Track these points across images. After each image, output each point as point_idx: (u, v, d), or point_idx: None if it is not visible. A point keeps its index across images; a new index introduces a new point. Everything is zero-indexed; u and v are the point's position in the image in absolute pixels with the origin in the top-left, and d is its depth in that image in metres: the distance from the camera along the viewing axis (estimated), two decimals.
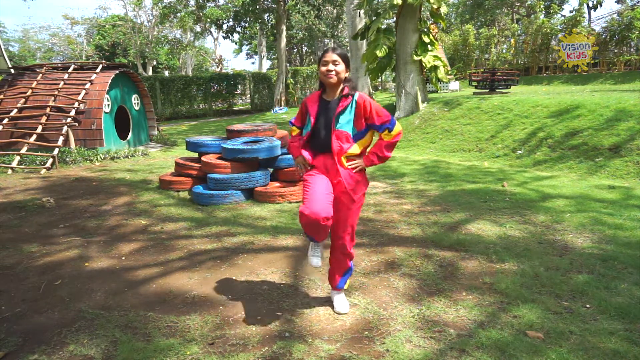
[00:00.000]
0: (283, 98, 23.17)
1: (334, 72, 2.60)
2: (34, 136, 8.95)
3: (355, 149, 2.65)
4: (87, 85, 9.93)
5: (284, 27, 23.02)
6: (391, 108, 13.12)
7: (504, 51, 24.30)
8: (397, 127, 2.71)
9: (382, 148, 2.67)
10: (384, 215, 4.89)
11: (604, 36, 19.85)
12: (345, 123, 2.62)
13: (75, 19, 38.75)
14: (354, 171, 2.66)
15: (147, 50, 32.81)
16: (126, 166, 8.58)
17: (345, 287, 2.94)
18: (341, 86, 2.68)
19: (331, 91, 2.69)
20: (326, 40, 30.62)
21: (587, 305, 2.79)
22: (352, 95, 2.64)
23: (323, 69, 2.62)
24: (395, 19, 12.25)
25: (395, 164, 8.23)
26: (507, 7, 29.94)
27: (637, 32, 18.56)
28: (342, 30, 29.65)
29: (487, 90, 14.72)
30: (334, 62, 2.61)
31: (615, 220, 4.43)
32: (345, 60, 2.65)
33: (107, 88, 9.95)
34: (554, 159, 7.59)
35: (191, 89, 22.62)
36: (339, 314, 2.83)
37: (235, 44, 40.90)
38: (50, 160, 8.35)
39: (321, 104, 2.70)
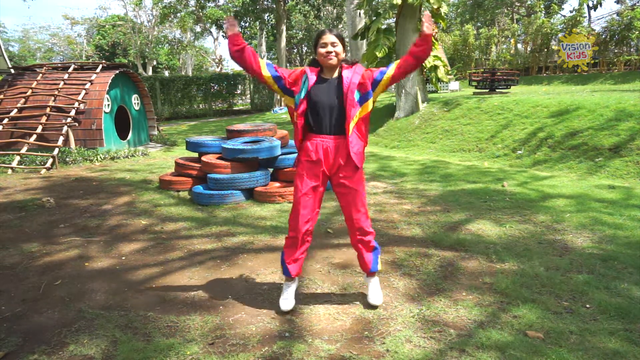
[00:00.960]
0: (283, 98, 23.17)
1: (334, 54, 2.62)
2: (34, 136, 8.95)
3: (361, 111, 2.66)
4: (87, 85, 9.93)
5: (284, 27, 23.03)
6: (391, 108, 13.12)
7: (504, 51, 24.30)
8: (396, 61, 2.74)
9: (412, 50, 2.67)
10: (384, 215, 4.89)
11: (604, 36, 19.85)
12: (356, 92, 2.64)
13: (75, 19, 38.78)
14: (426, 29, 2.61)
15: (147, 50, 32.82)
16: (126, 166, 8.58)
17: (380, 267, 2.95)
18: (338, 67, 2.70)
19: (329, 71, 2.70)
20: None
21: (587, 305, 2.79)
22: (355, 66, 2.68)
23: (322, 50, 2.62)
24: (395, 19, 12.25)
25: (395, 164, 8.23)
26: (507, 7, 29.94)
27: (637, 32, 18.56)
28: (342, 30, 29.66)
29: (487, 90, 14.72)
30: (333, 44, 2.62)
31: (615, 220, 4.43)
32: (343, 41, 2.67)
33: (107, 88, 9.95)
34: (554, 159, 7.59)
35: (191, 89, 22.62)
36: (373, 305, 2.84)
37: None
38: (50, 160, 8.35)
39: (320, 80, 2.69)
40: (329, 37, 2.61)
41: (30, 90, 9.80)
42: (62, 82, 10.05)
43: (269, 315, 2.82)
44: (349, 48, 18.03)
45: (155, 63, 36.93)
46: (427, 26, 2.60)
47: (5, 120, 9.20)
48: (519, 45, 22.94)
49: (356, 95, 2.64)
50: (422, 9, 11.81)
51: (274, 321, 2.74)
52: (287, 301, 2.86)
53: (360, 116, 2.67)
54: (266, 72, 2.69)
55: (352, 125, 2.64)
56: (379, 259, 2.95)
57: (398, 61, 2.70)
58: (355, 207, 2.76)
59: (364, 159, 2.82)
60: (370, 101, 2.70)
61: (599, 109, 8.22)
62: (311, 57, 2.90)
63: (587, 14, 23.01)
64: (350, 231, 2.87)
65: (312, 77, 2.66)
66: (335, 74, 2.70)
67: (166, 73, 38.34)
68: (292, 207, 2.80)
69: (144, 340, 2.56)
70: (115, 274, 3.54)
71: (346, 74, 2.66)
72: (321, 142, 2.69)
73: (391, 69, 2.68)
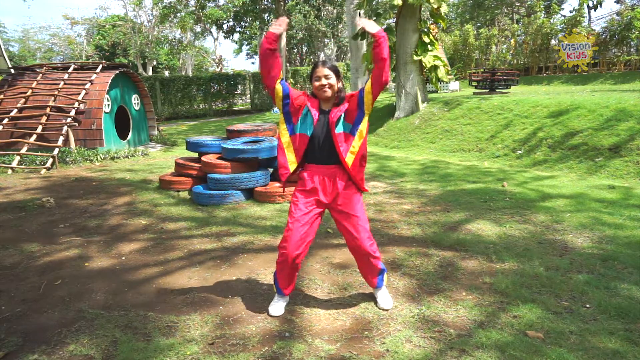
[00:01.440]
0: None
1: (327, 86, 2.65)
2: (34, 136, 8.95)
3: (356, 142, 2.67)
4: (87, 85, 9.93)
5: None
6: (391, 108, 13.12)
7: (504, 51, 24.30)
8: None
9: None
10: (384, 215, 4.89)
11: (603, 36, 19.85)
12: (341, 125, 2.66)
13: (75, 19, 38.74)
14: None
15: (147, 50, 32.81)
16: (126, 166, 8.58)
17: (385, 284, 2.96)
18: (333, 98, 2.72)
19: (326, 103, 2.73)
20: (326, 40, 30.64)
21: (587, 305, 2.79)
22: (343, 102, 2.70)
23: (316, 84, 2.67)
24: (395, 19, 12.24)
25: (395, 164, 8.23)
26: (507, 7, 29.95)
27: (637, 32, 18.56)
28: (342, 30, 29.65)
29: (487, 90, 14.72)
30: (326, 77, 2.65)
31: (615, 220, 4.43)
32: (336, 72, 2.69)
33: (107, 88, 9.95)
34: (554, 159, 7.59)
35: (191, 89, 22.62)
36: (383, 309, 2.84)
37: (236, 43, 40.91)
38: (50, 160, 8.35)
39: (321, 113, 2.72)
40: (322, 70, 2.64)
41: (30, 90, 9.80)
42: (62, 82, 10.05)
43: (269, 315, 2.82)
44: (349, 48, 18.01)
45: (155, 63, 36.92)
46: (367, 25, 2.55)
47: (5, 120, 9.20)
48: (519, 46, 22.92)
49: (344, 129, 2.64)
50: (422, 9, 11.81)
51: (274, 321, 2.74)
52: (277, 306, 2.86)
53: (359, 146, 2.67)
54: (279, 85, 2.71)
55: (349, 159, 2.65)
56: (385, 277, 2.95)
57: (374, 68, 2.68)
58: (357, 233, 2.73)
59: (364, 183, 2.82)
60: (363, 124, 2.68)
61: (599, 109, 8.22)
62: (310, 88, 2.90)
63: (587, 14, 23.02)
64: (356, 257, 2.85)
65: (315, 113, 2.67)
66: (330, 106, 2.72)
67: (166, 73, 38.35)
68: (284, 233, 2.76)
69: (144, 340, 2.56)
70: (115, 273, 3.54)
71: (334, 110, 2.66)
72: (317, 171, 2.72)
73: (368, 81, 2.67)
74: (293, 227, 2.69)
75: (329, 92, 2.66)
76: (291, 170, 2.72)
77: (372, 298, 2.99)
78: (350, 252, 2.87)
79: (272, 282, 3.29)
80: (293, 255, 2.69)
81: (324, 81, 2.64)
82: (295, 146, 2.70)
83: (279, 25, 2.63)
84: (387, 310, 2.85)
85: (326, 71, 2.65)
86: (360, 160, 2.71)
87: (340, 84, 2.71)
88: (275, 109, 22.52)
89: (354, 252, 2.82)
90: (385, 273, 2.94)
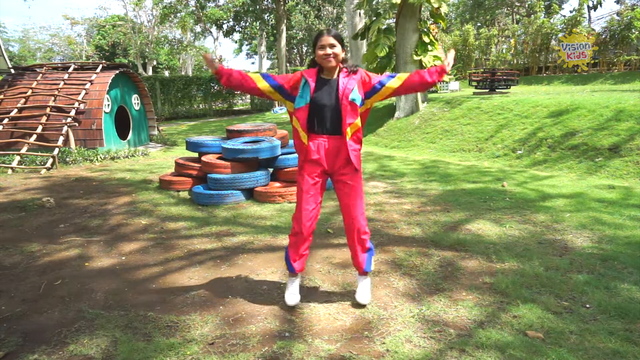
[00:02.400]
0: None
1: (332, 55, 2.64)
2: (34, 136, 8.95)
3: (358, 120, 2.70)
4: (87, 85, 9.93)
5: (284, 27, 23.02)
6: (391, 108, 13.13)
7: (504, 51, 24.29)
8: (404, 73, 2.76)
9: (425, 74, 2.69)
10: (384, 215, 4.89)
11: (603, 36, 19.84)
12: (353, 93, 2.66)
13: (75, 19, 38.78)
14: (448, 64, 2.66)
15: (147, 50, 32.82)
16: (126, 166, 8.58)
17: (373, 268, 2.99)
18: (339, 67, 2.72)
19: (329, 72, 2.72)
20: None
21: (587, 305, 2.79)
22: (357, 71, 2.71)
23: (320, 52, 2.64)
24: (395, 19, 12.25)
25: (395, 164, 8.23)
26: (507, 7, 29.94)
27: (637, 32, 18.56)
28: (342, 30, 29.66)
29: (487, 91, 14.72)
30: (331, 46, 2.63)
31: (615, 220, 4.43)
32: (341, 41, 2.68)
33: (107, 88, 9.95)
34: (554, 158, 7.59)
35: (191, 89, 22.62)
36: (359, 303, 2.86)
37: (237, 43, 40.92)
38: (50, 160, 8.35)
39: (320, 81, 2.71)
40: (327, 39, 2.63)
41: (30, 90, 9.80)
42: (62, 82, 10.05)
43: (269, 315, 2.82)
44: (349, 48, 18.02)
45: (155, 63, 36.93)
46: (449, 63, 2.66)
47: (5, 120, 9.20)
48: (519, 45, 22.92)
49: (356, 98, 2.66)
50: (422, 9, 11.81)
51: (274, 321, 2.74)
52: (293, 296, 2.92)
53: (359, 123, 2.71)
54: (263, 84, 2.72)
55: (349, 129, 2.68)
56: (372, 260, 2.99)
57: (404, 75, 2.72)
58: (354, 205, 2.79)
59: (361, 160, 2.87)
60: (364, 107, 2.73)
61: (599, 109, 8.22)
62: (311, 57, 2.94)
63: (587, 14, 23.01)
64: (347, 230, 2.90)
65: (311, 81, 2.68)
66: (335, 75, 2.73)
67: (166, 73, 38.35)
68: (296, 206, 2.84)
69: (144, 340, 2.56)
70: (115, 273, 3.54)
71: (342, 77, 2.68)
72: (322, 142, 2.73)
73: (396, 80, 2.69)
74: (303, 200, 2.76)
75: (333, 62, 2.65)
76: (306, 143, 2.73)
77: (372, 298, 2.98)
78: (344, 224, 2.90)
79: (273, 282, 3.29)
80: (307, 225, 2.77)
81: (328, 50, 2.62)
82: (301, 119, 2.70)
83: (210, 64, 2.72)
84: (364, 305, 2.87)
85: (331, 40, 2.62)
86: (357, 133, 2.73)
87: (344, 54, 2.71)
88: (275, 108, 22.53)
89: (347, 224, 2.85)
90: (373, 255, 2.97)
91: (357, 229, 2.83)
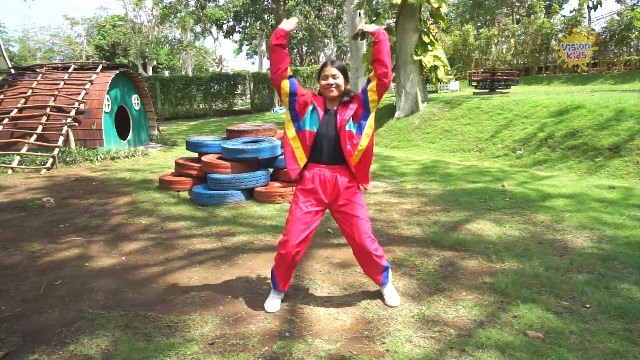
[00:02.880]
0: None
1: (334, 86, 2.68)
2: (34, 136, 8.95)
3: (364, 140, 2.68)
4: (87, 85, 9.93)
5: None
6: (391, 108, 13.12)
7: (504, 51, 24.29)
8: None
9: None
10: (384, 215, 4.89)
11: (603, 36, 19.84)
12: (350, 124, 2.68)
13: (75, 19, 38.78)
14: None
15: (147, 50, 32.82)
16: (126, 166, 8.58)
17: (390, 280, 2.99)
18: (338, 98, 2.74)
19: (331, 102, 2.76)
20: (326, 40, 30.63)
21: (587, 305, 2.79)
22: (353, 99, 2.72)
23: (323, 82, 2.69)
24: (395, 19, 12.24)
25: (395, 164, 8.23)
26: (507, 7, 29.94)
27: (636, 32, 18.55)
28: (342, 30, 29.66)
29: (487, 91, 14.71)
30: (334, 76, 2.67)
31: (615, 220, 4.43)
32: (344, 73, 2.71)
33: (107, 88, 9.95)
34: (554, 158, 7.59)
35: (191, 89, 22.62)
36: (390, 306, 2.86)
37: (236, 43, 40.93)
38: (51, 160, 8.35)
39: (326, 112, 2.74)
40: (330, 69, 2.67)
41: (30, 90, 9.81)
42: (62, 82, 10.05)
43: (269, 315, 2.82)
44: (349, 48, 18.01)
45: (155, 63, 36.93)
46: (368, 27, 2.61)
47: (6, 120, 9.20)
48: (519, 45, 22.92)
49: (352, 127, 2.66)
50: (422, 9, 11.81)
51: (274, 321, 2.74)
52: (273, 303, 2.90)
53: (366, 145, 2.69)
54: (285, 82, 2.68)
55: (355, 157, 2.67)
56: (390, 274, 2.97)
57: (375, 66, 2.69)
58: (358, 233, 2.74)
59: (368, 180, 2.85)
60: (370, 122, 2.70)
61: (599, 109, 8.22)
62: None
63: (587, 14, 23.01)
64: (358, 257, 2.86)
65: (320, 111, 2.70)
66: (336, 106, 2.74)
67: (166, 73, 38.34)
68: (284, 230, 2.79)
69: (144, 340, 2.56)
70: (115, 273, 3.55)
71: (341, 110, 2.69)
72: (319, 171, 2.73)
73: (372, 75, 2.66)
74: (293, 226, 2.72)
75: (335, 92, 2.69)
76: (301, 167, 2.73)
77: (372, 298, 2.99)
78: (352, 252, 2.88)
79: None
80: (292, 253, 2.73)
81: (331, 80, 2.66)
82: (304, 143, 2.71)
83: (289, 23, 2.63)
84: (394, 307, 2.86)
85: (334, 71, 2.67)
86: (366, 157, 2.72)
87: (347, 85, 2.73)
88: (275, 108, 22.52)
89: (356, 252, 2.84)
90: (389, 270, 2.95)
91: (369, 254, 2.78)
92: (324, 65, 2.72)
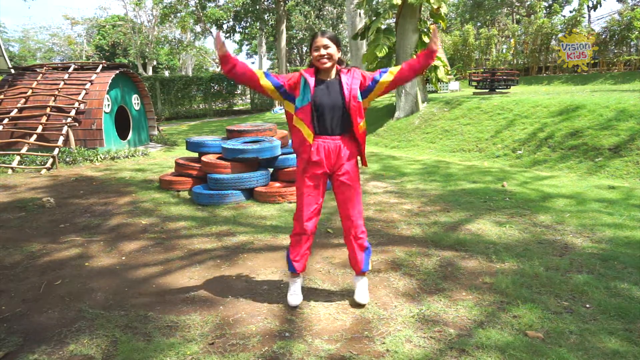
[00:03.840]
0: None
1: (326, 56, 2.64)
2: (34, 136, 8.95)
3: (363, 123, 2.73)
4: (87, 85, 9.93)
5: (284, 28, 23.02)
6: (391, 108, 13.12)
7: (504, 51, 24.29)
8: (396, 67, 2.75)
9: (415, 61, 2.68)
10: (384, 215, 4.89)
11: (603, 36, 19.83)
12: (359, 93, 2.67)
13: (75, 19, 38.76)
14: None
15: (147, 50, 32.82)
16: (126, 166, 8.59)
17: (370, 268, 3.01)
18: (335, 68, 2.73)
19: (325, 73, 2.72)
20: None
21: (587, 305, 2.79)
22: (352, 70, 2.72)
23: (315, 54, 2.65)
24: (395, 19, 12.24)
25: (395, 164, 8.23)
26: (507, 7, 29.94)
27: (637, 32, 18.55)
28: (343, 30, 29.66)
29: (487, 91, 14.71)
30: (325, 46, 2.63)
31: (615, 220, 4.43)
32: (336, 42, 2.68)
33: (107, 88, 9.95)
34: (554, 159, 7.59)
35: (191, 89, 22.62)
36: (359, 304, 2.87)
37: (237, 43, 40.91)
38: (51, 160, 8.35)
39: (319, 81, 2.71)
40: (322, 40, 2.63)
41: (30, 90, 9.81)
42: (62, 82, 10.05)
43: (269, 315, 2.82)
44: (348, 48, 18.01)
45: (155, 63, 36.92)
46: (435, 42, 2.60)
47: (6, 120, 9.20)
48: (519, 45, 22.92)
49: (360, 97, 2.68)
50: (422, 9, 11.80)
51: (274, 321, 2.74)
52: (295, 296, 2.93)
53: (364, 126, 2.74)
54: (265, 82, 2.69)
55: (361, 127, 2.71)
56: (370, 260, 3.00)
57: (396, 68, 2.72)
58: (352, 205, 2.81)
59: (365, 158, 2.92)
60: (365, 102, 2.75)
61: (599, 109, 8.22)
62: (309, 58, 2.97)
63: (587, 14, 23.01)
64: (344, 229, 2.91)
65: (311, 80, 2.67)
66: (333, 76, 2.73)
67: (166, 73, 38.35)
68: (296, 206, 2.85)
69: (144, 340, 2.56)
70: (115, 273, 3.55)
71: (345, 79, 2.68)
72: (323, 142, 2.73)
73: (388, 75, 2.69)
74: (304, 201, 2.78)
75: (328, 63, 2.65)
76: (311, 142, 2.70)
77: (372, 298, 2.99)
78: (342, 224, 2.90)
79: (273, 282, 3.29)
80: (309, 227, 2.80)
81: (322, 51, 2.62)
82: (306, 118, 2.68)
83: (220, 46, 2.60)
84: (363, 305, 2.87)
85: (325, 41, 2.63)
86: (364, 127, 2.76)
87: (340, 54, 2.70)
88: (275, 109, 22.52)
89: (345, 223, 2.86)
90: (370, 254, 2.97)
91: (354, 228, 2.85)
92: (314, 36, 2.68)
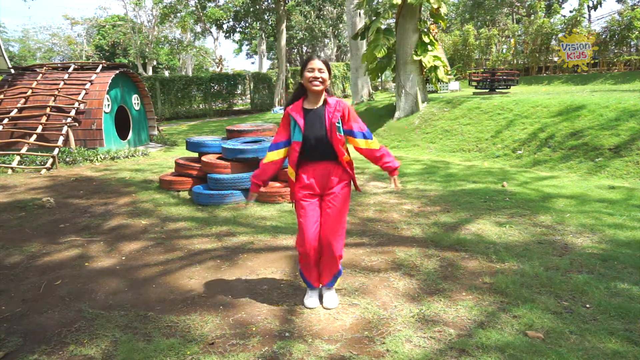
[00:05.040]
0: (283, 98, 23.17)
1: (320, 80, 2.66)
2: (34, 136, 8.95)
3: (346, 156, 2.77)
4: (87, 85, 9.93)
5: (284, 27, 23.01)
6: (391, 108, 13.12)
7: (504, 51, 24.28)
8: (376, 141, 2.82)
9: (386, 154, 2.81)
10: (384, 215, 4.89)
11: (604, 36, 19.84)
12: (339, 128, 2.71)
13: (75, 19, 38.75)
14: (397, 185, 2.87)
15: (147, 50, 32.82)
16: (126, 166, 8.58)
17: (335, 285, 3.00)
18: (324, 95, 2.75)
19: (314, 98, 2.74)
20: (326, 40, 30.62)
21: (587, 305, 2.79)
22: (338, 102, 2.74)
23: (309, 75, 2.66)
24: (395, 19, 12.24)
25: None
26: (507, 7, 29.93)
27: (637, 32, 18.55)
28: (343, 30, 29.65)
29: (487, 91, 14.71)
30: (320, 70, 2.66)
31: (615, 220, 4.43)
32: (329, 68, 2.72)
33: (107, 88, 9.95)
34: (555, 159, 7.59)
35: (191, 89, 22.61)
36: (327, 309, 2.87)
37: (237, 43, 40.94)
38: (51, 160, 8.35)
39: (306, 113, 2.73)
40: (316, 63, 2.66)
41: (30, 90, 9.81)
42: (62, 82, 10.05)
43: (269, 315, 2.82)
44: (349, 48, 18.00)
45: (155, 63, 36.92)
46: (395, 184, 2.86)
47: (5, 120, 9.20)
48: (519, 45, 22.92)
49: (340, 131, 2.71)
50: (422, 9, 11.80)
51: (274, 321, 2.74)
52: (312, 300, 2.93)
53: (348, 158, 2.77)
54: (279, 155, 2.84)
55: (345, 159, 2.74)
56: (338, 280, 2.99)
57: (373, 144, 2.77)
58: (335, 226, 2.76)
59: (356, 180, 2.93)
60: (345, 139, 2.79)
61: (599, 109, 8.22)
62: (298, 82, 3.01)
63: (587, 14, 23.01)
64: (322, 249, 2.82)
65: (299, 118, 2.70)
66: (320, 102, 2.74)
67: (166, 73, 38.33)
68: (298, 230, 2.83)
69: (144, 340, 2.56)
70: (115, 273, 3.54)
71: (328, 110, 2.70)
72: (312, 167, 2.76)
73: (362, 142, 2.75)
74: (305, 222, 2.77)
75: (320, 87, 2.67)
76: (294, 180, 2.82)
77: (372, 298, 2.99)
78: (320, 241, 2.81)
79: (273, 282, 3.29)
80: (313, 248, 2.77)
81: (317, 74, 2.64)
82: (293, 153, 2.74)
83: (253, 196, 3.01)
84: (330, 309, 2.86)
85: (320, 64, 2.66)
86: (349, 158, 2.79)
87: (329, 81, 2.75)
88: (275, 109, 22.51)
89: (323, 242, 2.80)
90: (340, 277, 2.97)
91: (330, 255, 2.79)
92: (310, 58, 2.71)
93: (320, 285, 2.99)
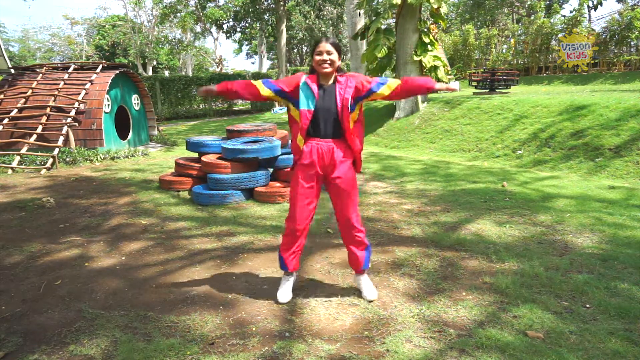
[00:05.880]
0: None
1: (328, 62, 2.70)
2: (34, 136, 8.95)
3: (354, 118, 2.78)
4: (87, 85, 9.93)
5: (284, 27, 23.02)
6: (391, 108, 13.12)
7: (504, 51, 24.28)
8: (395, 80, 2.79)
9: (409, 81, 2.77)
10: (384, 215, 4.89)
11: (604, 36, 19.83)
12: (350, 104, 2.73)
13: (75, 19, 38.78)
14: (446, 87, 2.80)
15: (147, 50, 32.82)
16: (126, 166, 8.58)
17: (370, 265, 3.06)
18: (334, 75, 2.78)
19: (324, 78, 2.78)
20: None
21: (587, 305, 2.79)
22: (347, 78, 2.76)
23: (318, 58, 2.71)
24: (395, 19, 12.24)
25: (396, 164, 8.23)
26: (507, 7, 29.94)
27: (637, 32, 18.55)
28: (343, 30, 29.66)
29: (487, 91, 14.71)
30: (328, 52, 2.69)
31: (615, 220, 4.43)
32: (338, 50, 2.75)
33: (107, 88, 9.95)
34: (555, 159, 7.59)
35: (191, 89, 22.61)
36: (369, 300, 2.91)
37: (237, 43, 40.94)
38: (51, 160, 8.35)
39: (321, 88, 2.77)
40: (325, 46, 2.70)
41: (30, 90, 9.80)
42: (62, 82, 10.04)
43: (269, 315, 2.82)
44: (349, 48, 18.01)
45: (155, 63, 36.93)
46: (441, 86, 2.74)
47: (6, 120, 9.20)
48: (519, 45, 22.91)
49: (350, 106, 2.74)
50: (422, 8, 11.80)
51: (274, 321, 2.74)
52: (284, 294, 2.98)
53: (353, 121, 2.78)
54: (265, 91, 2.79)
55: (351, 135, 2.77)
56: (370, 259, 3.04)
57: (394, 82, 2.76)
58: (347, 207, 2.85)
59: (361, 162, 2.94)
60: (358, 107, 2.79)
61: (599, 109, 8.22)
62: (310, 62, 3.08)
63: (587, 14, 23.00)
64: (342, 230, 2.95)
65: (314, 87, 2.74)
66: (331, 81, 2.79)
67: (166, 73, 38.34)
68: (289, 207, 2.91)
69: (144, 340, 2.56)
70: (115, 273, 3.55)
71: (339, 87, 2.73)
72: (316, 144, 2.78)
73: (386, 89, 2.74)
74: (297, 202, 2.83)
75: (329, 68, 2.71)
76: (301, 146, 2.80)
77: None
78: (338, 226, 2.96)
79: (273, 282, 3.29)
80: (301, 228, 2.84)
81: (325, 56, 2.69)
82: (303, 121, 2.75)
83: (207, 92, 2.79)
84: (372, 301, 2.91)
85: (329, 47, 2.70)
86: (359, 128, 2.82)
87: (340, 62, 2.77)
88: (275, 109, 22.52)
89: (342, 225, 2.91)
90: (370, 253, 3.02)
91: (351, 227, 2.88)
92: (318, 41, 2.75)
93: (355, 274, 3.05)
